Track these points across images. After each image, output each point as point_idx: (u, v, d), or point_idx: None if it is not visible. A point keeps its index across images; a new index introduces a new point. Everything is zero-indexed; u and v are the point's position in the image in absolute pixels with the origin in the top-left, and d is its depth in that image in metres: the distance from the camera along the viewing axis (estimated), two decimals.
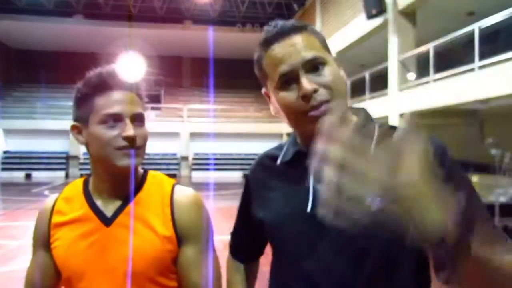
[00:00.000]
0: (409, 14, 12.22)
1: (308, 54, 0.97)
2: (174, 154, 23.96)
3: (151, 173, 1.25)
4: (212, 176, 22.59)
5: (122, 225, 1.14)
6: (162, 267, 1.14)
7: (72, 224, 1.16)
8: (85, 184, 1.23)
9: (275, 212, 1.07)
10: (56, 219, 1.19)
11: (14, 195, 15.07)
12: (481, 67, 8.88)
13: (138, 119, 1.13)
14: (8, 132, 23.39)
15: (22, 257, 6.30)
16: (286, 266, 1.05)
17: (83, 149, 23.33)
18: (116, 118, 1.10)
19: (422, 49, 11.25)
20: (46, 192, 15.60)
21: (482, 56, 8.94)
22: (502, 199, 7.31)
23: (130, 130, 1.09)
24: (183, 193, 1.21)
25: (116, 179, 1.16)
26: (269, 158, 1.18)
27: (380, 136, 0.96)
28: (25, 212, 10.90)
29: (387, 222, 0.69)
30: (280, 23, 1.02)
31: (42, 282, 1.21)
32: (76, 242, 1.14)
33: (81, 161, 23.42)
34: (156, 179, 1.24)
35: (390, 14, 12.48)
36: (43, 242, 1.20)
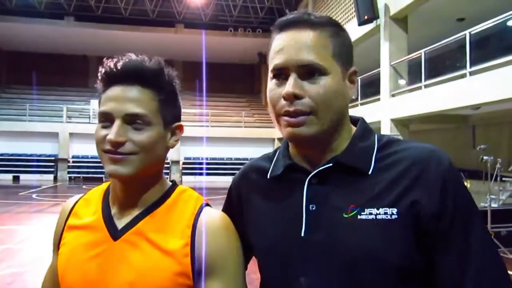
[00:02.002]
0: (400, 20, 12.30)
1: (305, 58, 0.88)
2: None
3: (180, 188, 1.09)
4: (203, 180, 22.49)
5: (130, 242, 0.98)
6: None
7: (82, 230, 1.04)
8: (108, 188, 1.09)
9: (266, 236, 0.98)
10: (71, 220, 1.08)
11: (1, 198, 14.85)
12: (472, 73, 8.92)
13: (135, 121, 0.96)
14: None
15: (8, 262, 6.18)
16: None
17: (72, 152, 23.19)
18: (108, 118, 0.96)
19: (414, 55, 11.30)
20: (34, 196, 15.41)
21: (473, 62, 8.99)
22: (494, 205, 7.32)
23: (112, 134, 0.93)
24: (211, 215, 1.02)
25: (121, 186, 1.02)
26: (256, 171, 1.09)
27: (379, 150, 0.95)
28: (11, 216, 10.72)
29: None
30: (305, 12, 0.93)
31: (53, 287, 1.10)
32: (79, 252, 1.01)
33: (70, 164, 23.21)
34: (184, 195, 1.06)
35: (382, 20, 12.54)
36: (56, 243, 1.10)
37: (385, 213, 0.86)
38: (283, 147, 1.05)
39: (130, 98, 0.96)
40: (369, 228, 0.86)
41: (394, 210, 0.86)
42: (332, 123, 0.92)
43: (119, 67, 0.97)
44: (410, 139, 0.94)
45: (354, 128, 1.00)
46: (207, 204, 1.07)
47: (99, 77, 1.00)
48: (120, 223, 1.01)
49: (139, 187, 1.02)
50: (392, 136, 1.00)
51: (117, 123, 0.94)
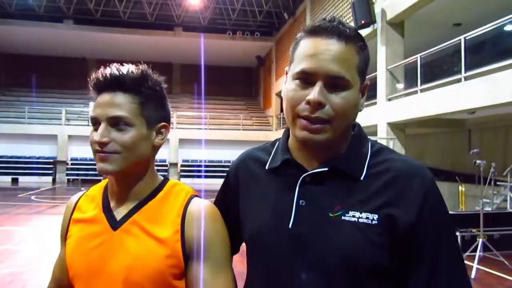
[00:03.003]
0: (397, 24, 12.37)
1: (336, 70, 0.92)
2: (163, 160, 23.85)
3: (171, 182, 1.21)
4: (201, 182, 22.52)
5: (127, 231, 1.11)
6: (161, 281, 1.07)
7: (85, 223, 1.16)
8: (107, 185, 1.22)
9: (258, 223, 1.05)
10: (76, 215, 1.21)
11: (0, 200, 14.83)
12: (467, 78, 9.00)
13: (118, 123, 1.08)
14: None
15: (7, 262, 6.23)
16: (262, 279, 1.04)
17: (71, 154, 23.19)
18: (96, 122, 1.09)
19: (410, 59, 11.38)
20: (33, 198, 15.43)
21: (469, 67, 9.06)
22: (488, 208, 7.38)
23: (97, 135, 1.07)
24: (198, 205, 1.13)
25: (115, 181, 1.14)
26: (254, 161, 1.15)
27: (372, 159, 1.02)
28: (10, 217, 10.76)
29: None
30: (338, 21, 0.97)
31: (61, 277, 1.23)
32: (83, 242, 1.13)
33: (69, 166, 23.22)
34: (175, 189, 1.18)
35: (378, 25, 12.62)
36: (63, 236, 1.23)
37: (367, 218, 0.93)
38: (282, 140, 1.11)
39: (113, 103, 1.08)
40: (350, 229, 0.93)
41: (375, 216, 0.93)
42: (342, 132, 0.99)
43: (103, 77, 1.10)
44: (399, 153, 1.00)
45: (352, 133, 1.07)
46: (196, 196, 1.18)
47: (90, 87, 1.13)
48: (118, 215, 1.14)
49: (131, 182, 1.15)
50: (382, 144, 1.08)
51: (102, 126, 1.07)
